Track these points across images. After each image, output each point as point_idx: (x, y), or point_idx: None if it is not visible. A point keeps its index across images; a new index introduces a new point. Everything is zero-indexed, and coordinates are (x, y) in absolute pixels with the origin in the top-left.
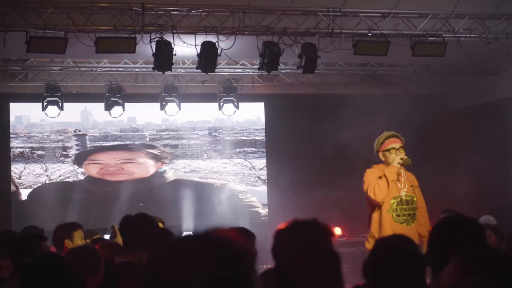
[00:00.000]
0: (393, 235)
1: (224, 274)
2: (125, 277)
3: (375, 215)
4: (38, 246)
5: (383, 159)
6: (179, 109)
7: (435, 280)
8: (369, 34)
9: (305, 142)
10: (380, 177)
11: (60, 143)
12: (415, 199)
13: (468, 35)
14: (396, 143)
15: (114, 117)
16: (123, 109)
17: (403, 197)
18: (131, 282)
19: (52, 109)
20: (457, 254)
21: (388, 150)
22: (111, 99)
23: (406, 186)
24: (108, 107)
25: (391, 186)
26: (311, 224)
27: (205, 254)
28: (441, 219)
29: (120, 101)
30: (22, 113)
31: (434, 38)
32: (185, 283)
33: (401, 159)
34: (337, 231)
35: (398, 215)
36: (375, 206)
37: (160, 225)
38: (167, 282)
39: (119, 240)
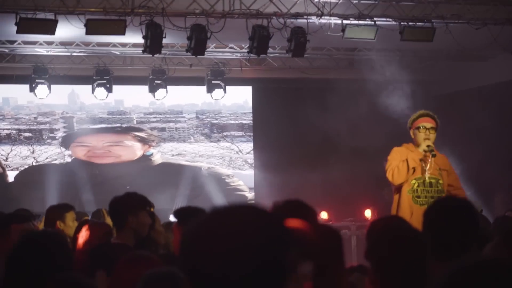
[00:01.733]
0: (388, 216)
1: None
2: (120, 258)
3: (396, 196)
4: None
5: (413, 137)
6: (167, 92)
7: (437, 263)
8: (356, 20)
9: (292, 126)
10: (404, 160)
11: (47, 125)
12: (440, 181)
13: (457, 21)
14: (428, 123)
15: (101, 99)
16: (111, 91)
17: (427, 179)
18: (127, 263)
19: (41, 90)
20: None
21: (418, 128)
22: (99, 81)
23: (431, 169)
24: (95, 90)
25: (411, 171)
26: (297, 204)
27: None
28: (433, 202)
29: (108, 83)
30: (9, 95)
31: (423, 24)
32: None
33: (427, 146)
34: (323, 215)
35: (418, 197)
36: (396, 186)
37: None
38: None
39: (109, 222)
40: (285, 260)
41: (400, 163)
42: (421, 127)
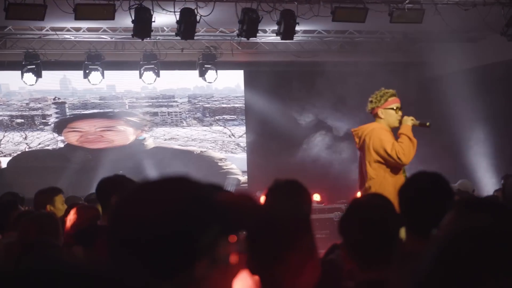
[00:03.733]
0: (370, 194)
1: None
2: (100, 238)
3: (390, 178)
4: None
5: (382, 116)
6: (158, 76)
7: (410, 237)
8: (348, 1)
9: (284, 109)
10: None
11: (40, 111)
12: None
13: (446, 2)
14: (398, 103)
15: (93, 84)
16: (103, 77)
17: None
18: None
19: (30, 77)
20: (453, 205)
21: (392, 108)
22: (90, 66)
23: None
24: (86, 75)
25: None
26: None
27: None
28: (406, 179)
29: (100, 68)
30: (0, 81)
31: (412, 5)
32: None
33: (412, 119)
34: (316, 197)
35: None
36: (392, 167)
37: None
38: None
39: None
40: (199, 239)
41: (396, 142)
42: (395, 108)
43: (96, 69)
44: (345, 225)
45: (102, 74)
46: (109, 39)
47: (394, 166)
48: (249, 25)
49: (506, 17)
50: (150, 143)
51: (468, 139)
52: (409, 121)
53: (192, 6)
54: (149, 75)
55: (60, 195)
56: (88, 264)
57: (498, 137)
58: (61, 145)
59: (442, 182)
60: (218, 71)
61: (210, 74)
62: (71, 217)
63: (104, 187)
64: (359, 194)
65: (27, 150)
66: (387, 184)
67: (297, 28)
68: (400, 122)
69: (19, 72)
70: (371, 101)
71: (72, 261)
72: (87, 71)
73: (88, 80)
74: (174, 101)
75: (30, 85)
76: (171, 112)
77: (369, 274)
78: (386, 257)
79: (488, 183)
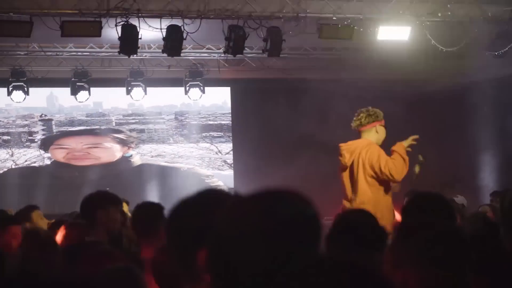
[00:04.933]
0: (355, 209)
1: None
2: (88, 253)
3: (384, 194)
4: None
5: (378, 132)
6: (145, 93)
7: None
8: (334, 18)
9: (271, 126)
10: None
11: (26, 128)
12: None
13: (432, 19)
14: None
15: (80, 101)
16: (89, 94)
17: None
18: (89, 258)
19: (18, 94)
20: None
21: (384, 126)
22: (77, 84)
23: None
24: (74, 92)
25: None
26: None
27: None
28: (410, 198)
29: (86, 85)
30: None
31: (398, 22)
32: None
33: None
34: None
35: None
36: (385, 185)
37: (125, 205)
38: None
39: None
40: None
41: (389, 158)
42: (385, 126)
43: (83, 88)
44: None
45: (89, 92)
46: (96, 56)
47: (386, 182)
48: (235, 42)
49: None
50: (137, 159)
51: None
52: (407, 143)
53: (179, 23)
54: (137, 92)
55: (36, 211)
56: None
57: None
58: (48, 162)
59: (443, 204)
60: (205, 88)
61: (194, 91)
62: (59, 234)
63: (87, 201)
64: (347, 205)
65: (13, 167)
66: (382, 200)
67: (283, 45)
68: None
69: (5, 89)
70: (370, 115)
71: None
72: (76, 88)
73: (76, 98)
74: (161, 118)
75: (17, 102)
76: (158, 129)
77: None
78: None
79: None
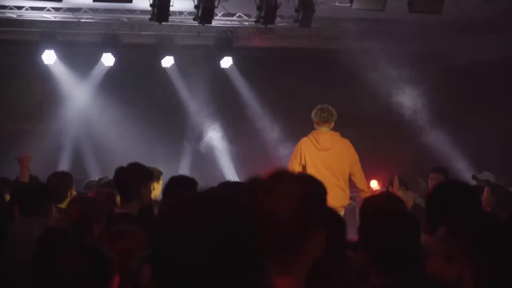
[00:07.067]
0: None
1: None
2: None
3: None
4: None
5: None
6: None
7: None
8: None
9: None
10: None
11: None
12: None
13: None
14: None
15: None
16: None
17: None
18: (109, 236)
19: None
20: (446, 221)
21: None
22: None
23: None
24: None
25: None
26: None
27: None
28: (436, 184)
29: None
30: None
31: None
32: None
33: None
34: None
35: None
36: None
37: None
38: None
39: None
40: None
41: None
42: None
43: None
44: (367, 231)
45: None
46: (126, 20)
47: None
48: (267, 11)
49: None
50: None
51: None
52: None
53: None
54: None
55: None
56: None
57: None
58: None
59: (467, 193)
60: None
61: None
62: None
63: (130, 179)
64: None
65: None
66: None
67: (314, 15)
68: None
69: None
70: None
71: None
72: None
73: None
74: None
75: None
76: None
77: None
78: (411, 262)
79: None
